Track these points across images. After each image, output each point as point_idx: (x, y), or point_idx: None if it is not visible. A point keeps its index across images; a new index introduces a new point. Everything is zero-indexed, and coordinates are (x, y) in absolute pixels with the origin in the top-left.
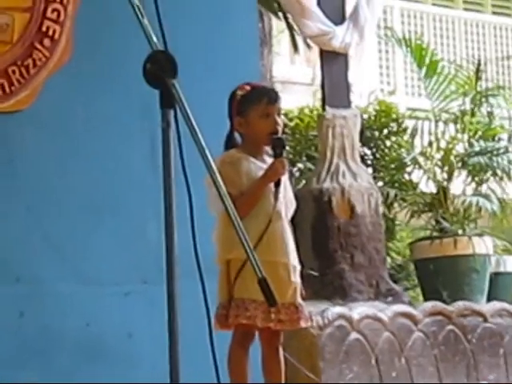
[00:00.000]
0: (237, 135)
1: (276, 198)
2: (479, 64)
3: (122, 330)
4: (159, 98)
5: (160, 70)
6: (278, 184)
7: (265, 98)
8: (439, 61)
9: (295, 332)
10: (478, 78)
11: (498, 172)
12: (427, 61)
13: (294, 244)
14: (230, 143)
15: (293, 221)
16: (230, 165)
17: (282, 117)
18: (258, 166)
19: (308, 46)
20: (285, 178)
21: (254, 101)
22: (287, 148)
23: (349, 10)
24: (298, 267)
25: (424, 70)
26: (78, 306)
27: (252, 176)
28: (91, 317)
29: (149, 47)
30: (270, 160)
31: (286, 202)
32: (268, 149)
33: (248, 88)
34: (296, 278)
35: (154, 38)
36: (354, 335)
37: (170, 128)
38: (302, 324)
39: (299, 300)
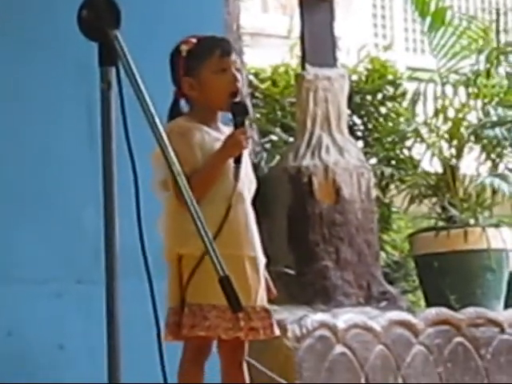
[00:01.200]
0: (183, 102)
1: (237, 176)
2: (498, 13)
3: (51, 341)
4: (98, 53)
5: (99, 18)
6: (238, 160)
7: (217, 50)
8: (447, 8)
9: (266, 344)
10: (497, 31)
11: None
12: (432, 8)
13: (257, 233)
14: (175, 112)
15: (259, 206)
16: (180, 136)
17: (252, 77)
18: (214, 136)
19: None
20: (245, 153)
21: (204, 55)
22: (257, 115)
23: None
24: (264, 261)
25: (428, 20)
26: None
27: (207, 149)
28: (14, 324)
29: None
30: (226, 129)
31: (249, 181)
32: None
33: (194, 41)
34: (263, 275)
35: None
36: (338, 348)
37: (110, 90)
38: (277, 332)
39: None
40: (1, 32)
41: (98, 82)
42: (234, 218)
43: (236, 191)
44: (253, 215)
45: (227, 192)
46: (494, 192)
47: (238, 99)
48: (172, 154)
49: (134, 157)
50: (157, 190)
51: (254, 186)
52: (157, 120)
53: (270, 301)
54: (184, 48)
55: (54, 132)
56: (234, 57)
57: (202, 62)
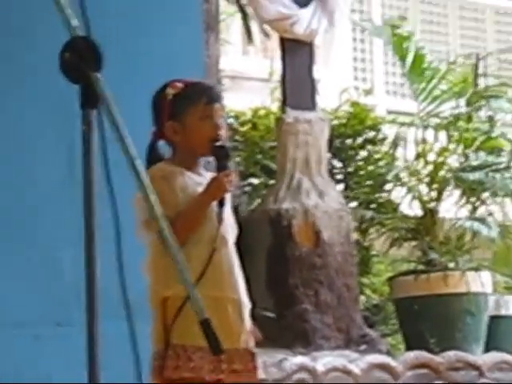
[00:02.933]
0: (160, 146)
1: (220, 220)
2: (478, 57)
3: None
4: (80, 95)
5: (81, 60)
6: (221, 203)
7: (204, 97)
8: (424, 55)
9: None
10: (476, 75)
11: (499, 191)
12: (412, 53)
13: (242, 277)
14: (153, 156)
15: (239, 249)
16: (163, 180)
17: (232, 120)
18: (195, 180)
19: (265, 34)
20: (228, 197)
21: (190, 100)
22: (237, 159)
23: None
24: (249, 305)
25: (408, 63)
26: None
27: (189, 193)
28: None
29: (67, 32)
30: (208, 174)
31: (231, 225)
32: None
33: (180, 85)
34: (247, 319)
35: (74, 21)
36: None
37: (91, 132)
38: (261, 375)
39: (252, 346)
40: None
41: (79, 123)
42: (217, 260)
43: (219, 234)
44: (236, 259)
45: (211, 235)
46: (474, 236)
47: (220, 143)
48: (153, 196)
49: (115, 198)
50: (140, 232)
51: (235, 230)
52: (138, 162)
53: (257, 344)
54: (170, 92)
55: (35, 173)
56: (218, 104)
57: (188, 107)
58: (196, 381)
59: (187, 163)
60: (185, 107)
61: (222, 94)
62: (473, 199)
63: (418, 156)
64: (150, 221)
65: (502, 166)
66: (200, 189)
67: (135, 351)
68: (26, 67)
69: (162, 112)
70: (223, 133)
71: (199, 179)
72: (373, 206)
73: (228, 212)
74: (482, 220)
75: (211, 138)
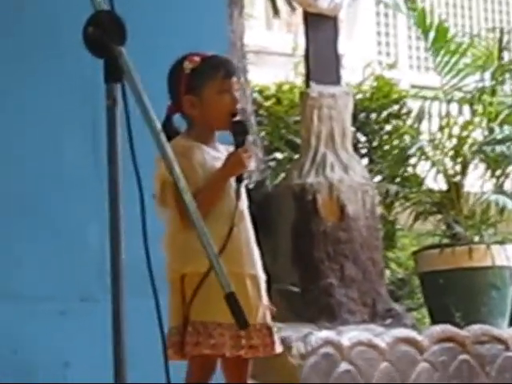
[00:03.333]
0: (175, 119)
1: (238, 195)
2: (502, 31)
3: (56, 358)
4: (104, 69)
5: (105, 34)
6: (240, 179)
7: (221, 71)
8: (447, 28)
9: (270, 361)
10: (501, 49)
11: None
12: (434, 25)
13: (258, 251)
14: (169, 129)
15: (261, 223)
16: (182, 156)
17: (256, 95)
18: (213, 155)
19: (291, 7)
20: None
21: (208, 74)
22: (261, 134)
23: None
24: (264, 278)
25: (431, 37)
26: (1, 329)
27: (208, 168)
28: (19, 342)
29: (91, 6)
30: (223, 148)
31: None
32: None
33: (198, 59)
34: (264, 293)
35: None
36: (344, 366)
37: (116, 106)
38: (278, 349)
39: (270, 320)
40: (5, 49)
41: (103, 98)
42: (236, 236)
43: (238, 209)
44: (253, 233)
45: (230, 210)
46: (500, 210)
47: (237, 119)
48: (178, 170)
49: (140, 174)
50: (158, 208)
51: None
52: (163, 136)
53: (274, 318)
54: (187, 66)
55: (58, 148)
56: (235, 78)
57: (206, 81)
58: (216, 357)
59: (204, 137)
60: (203, 81)
61: (241, 65)
62: (498, 173)
63: (442, 130)
64: (164, 195)
65: None
66: (218, 163)
67: (161, 328)
68: (51, 43)
69: (179, 85)
70: (239, 107)
71: (217, 154)
72: (397, 180)
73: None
74: (507, 194)
75: (229, 111)
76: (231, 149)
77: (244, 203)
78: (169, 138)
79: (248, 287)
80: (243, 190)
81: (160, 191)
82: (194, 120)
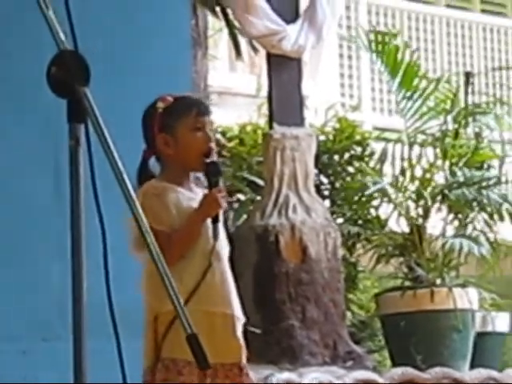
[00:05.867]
0: (151, 162)
1: (215, 235)
2: (468, 75)
3: None
4: (67, 109)
5: (68, 75)
6: (216, 219)
7: (194, 109)
8: (419, 66)
9: None
10: (466, 92)
11: (487, 208)
12: (402, 68)
13: (235, 291)
14: (144, 172)
15: (231, 265)
16: (155, 197)
17: (219, 136)
18: (188, 196)
19: (253, 48)
20: (220, 213)
21: (181, 112)
22: (226, 175)
23: (304, 5)
24: (242, 320)
25: (397, 80)
26: None
27: (183, 209)
28: None
29: (55, 47)
30: (198, 190)
31: (225, 241)
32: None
33: (170, 99)
34: (239, 333)
35: (62, 35)
36: None
37: (79, 146)
38: None
39: (244, 361)
40: None
41: (65, 138)
42: (211, 275)
43: (215, 250)
44: (230, 274)
45: (205, 250)
46: (463, 253)
47: (211, 159)
48: (140, 211)
49: (103, 214)
50: (133, 251)
51: (227, 247)
52: (125, 177)
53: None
54: (160, 105)
55: (20, 186)
56: (208, 118)
57: (179, 119)
58: None
59: (178, 179)
60: (176, 119)
61: (211, 109)
62: (461, 216)
63: (405, 172)
64: (137, 238)
65: (491, 182)
66: (193, 204)
67: (122, 366)
68: (13, 81)
69: (152, 126)
70: (213, 146)
71: (191, 195)
72: (359, 222)
73: (221, 228)
74: (470, 237)
75: (203, 150)
76: (206, 191)
77: (222, 244)
78: (145, 182)
79: (218, 326)
80: (221, 231)
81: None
82: (167, 161)
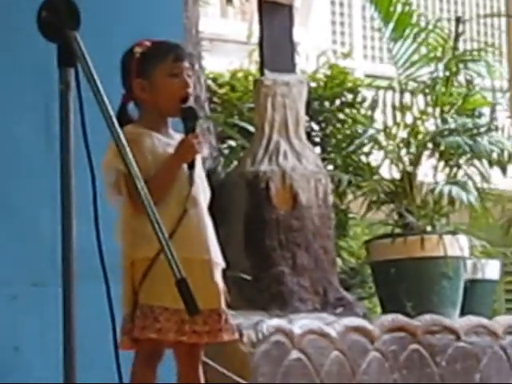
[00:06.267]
0: (131, 106)
1: (191, 181)
2: (458, 20)
3: (7, 342)
4: (57, 54)
5: (59, 19)
6: (192, 165)
7: (171, 54)
8: (413, 12)
9: (221, 349)
10: (457, 39)
11: (478, 155)
12: (397, 14)
13: (214, 237)
14: (124, 118)
15: (216, 211)
16: (131, 143)
17: (210, 82)
18: (165, 142)
19: None
20: (198, 159)
21: (158, 58)
22: (215, 121)
23: None
24: (222, 265)
25: (390, 27)
26: None
27: (159, 155)
28: None
29: None
30: (177, 136)
31: (204, 186)
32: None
33: (148, 44)
34: (219, 279)
35: None
36: (294, 354)
37: (69, 90)
38: (226, 337)
39: (223, 306)
40: None
41: (56, 83)
42: (187, 221)
43: (190, 196)
44: (208, 220)
45: (181, 196)
46: (452, 200)
47: (188, 105)
48: (130, 155)
49: (92, 158)
50: (109, 195)
51: (208, 193)
52: (115, 121)
53: (228, 305)
54: (137, 50)
55: (10, 132)
56: (186, 63)
57: (156, 64)
58: (163, 343)
59: (155, 124)
60: (152, 64)
61: (195, 52)
62: (451, 163)
63: (396, 119)
64: (118, 182)
65: (482, 129)
66: (170, 150)
67: (111, 311)
68: (5, 24)
69: (130, 71)
70: (190, 92)
71: (169, 140)
72: (350, 169)
73: (200, 174)
74: (460, 184)
75: (179, 96)
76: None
77: (198, 189)
78: (123, 127)
79: (197, 272)
80: (204, 178)
81: (114, 179)
82: (144, 106)
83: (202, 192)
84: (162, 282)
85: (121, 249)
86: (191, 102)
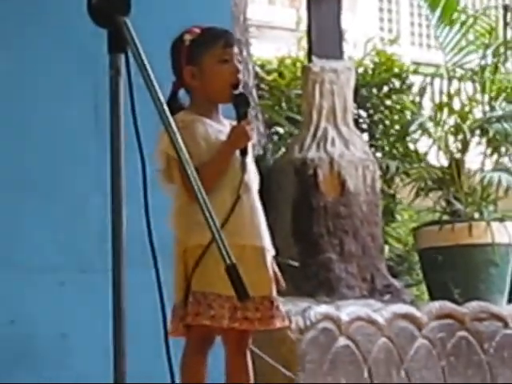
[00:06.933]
0: (181, 94)
1: (244, 168)
2: (506, 9)
3: (54, 329)
4: (107, 39)
5: (109, 5)
6: (244, 151)
7: (221, 41)
8: (458, 0)
9: (269, 336)
10: (505, 25)
11: None
12: (443, 1)
13: (265, 224)
14: (175, 105)
15: (263, 197)
16: (183, 130)
17: (258, 69)
18: (216, 128)
19: None
20: (250, 145)
21: (208, 44)
22: (263, 107)
23: None
24: (272, 252)
25: (437, 13)
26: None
27: (211, 142)
28: (17, 312)
29: None
30: (227, 122)
31: (254, 173)
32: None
33: (197, 31)
34: (270, 265)
35: None
36: (342, 341)
37: (119, 77)
38: (277, 324)
39: (274, 294)
40: (5, 18)
41: (104, 68)
42: (240, 208)
43: (243, 182)
44: (260, 206)
45: (234, 183)
46: (500, 187)
47: (239, 91)
48: (180, 142)
49: (142, 144)
50: (163, 183)
51: (257, 179)
52: (166, 107)
53: (278, 292)
54: (187, 37)
55: (59, 119)
56: (236, 49)
57: (205, 51)
58: (215, 329)
59: (206, 111)
60: (202, 51)
61: (243, 39)
62: (500, 150)
63: (443, 106)
64: (168, 169)
65: None
66: (222, 136)
67: (161, 297)
68: (54, 11)
69: (180, 58)
70: (241, 78)
71: (220, 127)
72: (398, 156)
73: (250, 160)
74: (508, 171)
75: (230, 82)
76: (235, 123)
77: (250, 175)
78: (174, 114)
79: (249, 259)
80: (251, 163)
81: (166, 166)
82: (195, 92)
83: (254, 178)
84: (215, 269)
85: (174, 236)
86: (242, 89)
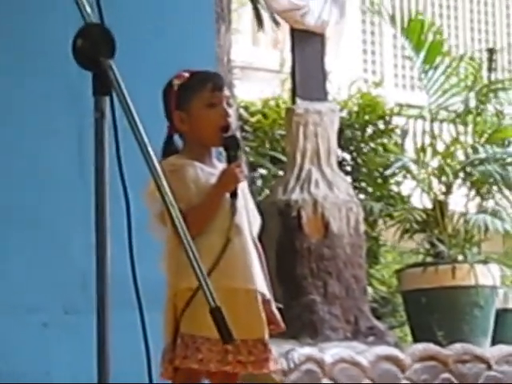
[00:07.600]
0: (177, 139)
1: (234, 210)
2: (491, 51)
3: (38, 367)
4: (92, 82)
5: (94, 47)
6: (234, 194)
7: (209, 84)
8: (444, 41)
9: (253, 378)
10: (490, 70)
11: (508, 184)
12: (428, 42)
13: (259, 266)
14: (169, 149)
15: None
16: (173, 174)
17: (242, 110)
18: (208, 172)
19: (276, 23)
20: (243, 186)
21: (195, 88)
22: (247, 149)
23: None
24: (268, 295)
25: (422, 55)
26: None
27: (201, 185)
28: (1, 351)
29: (80, 19)
30: (220, 165)
31: (249, 216)
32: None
33: (186, 75)
34: (262, 308)
35: (88, 8)
36: (325, 383)
37: (104, 119)
38: (271, 366)
39: (267, 336)
40: None
41: (89, 111)
42: (231, 251)
43: (233, 225)
44: (253, 248)
45: (224, 225)
46: (485, 229)
47: (229, 134)
48: (165, 185)
49: (127, 185)
50: (154, 227)
51: (257, 221)
52: (150, 150)
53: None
54: (176, 82)
55: (44, 157)
56: (225, 92)
57: (193, 95)
58: (202, 372)
59: (199, 155)
60: (190, 95)
61: (227, 80)
62: (482, 192)
63: (426, 148)
64: (164, 212)
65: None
66: (213, 179)
67: (145, 339)
68: (38, 54)
69: (170, 103)
70: (230, 121)
71: (212, 170)
72: (382, 198)
73: (247, 203)
74: (492, 213)
75: (219, 126)
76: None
77: (242, 218)
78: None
79: (242, 302)
80: (253, 207)
81: (159, 208)
82: (186, 137)
83: (251, 220)
84: (204, 312)
85: (166, 279)
86: (232, 131)
